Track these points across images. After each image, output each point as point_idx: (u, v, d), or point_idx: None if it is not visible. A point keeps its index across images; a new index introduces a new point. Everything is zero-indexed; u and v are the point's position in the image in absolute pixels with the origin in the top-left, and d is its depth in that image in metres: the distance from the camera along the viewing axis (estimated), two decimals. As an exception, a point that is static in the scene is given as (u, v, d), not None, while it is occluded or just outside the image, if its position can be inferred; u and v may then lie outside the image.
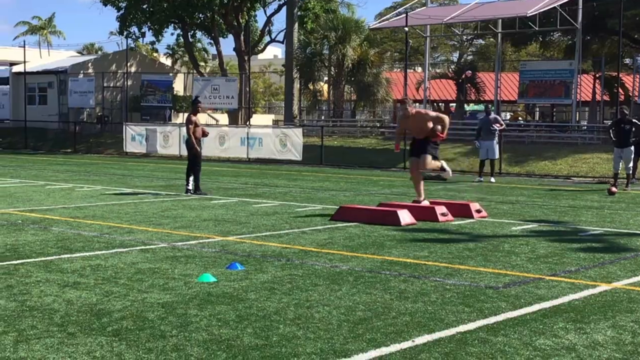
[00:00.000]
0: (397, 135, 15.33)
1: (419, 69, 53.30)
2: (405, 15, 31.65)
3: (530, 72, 32.16)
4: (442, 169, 13.13)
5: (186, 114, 40.92)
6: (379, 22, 38.85)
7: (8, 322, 5.69)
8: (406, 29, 31.19)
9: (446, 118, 12.60)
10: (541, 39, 42.00)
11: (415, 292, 6.91)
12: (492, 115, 22.10)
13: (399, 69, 50.81)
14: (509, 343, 5.38)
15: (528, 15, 30.12)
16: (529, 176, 24.03)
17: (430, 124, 12.41)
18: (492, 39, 49.22)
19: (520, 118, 48.95)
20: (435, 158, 12.83)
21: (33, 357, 4.88)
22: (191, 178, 16.10)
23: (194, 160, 16.04)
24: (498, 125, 21.52)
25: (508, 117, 47.70)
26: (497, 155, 21.84)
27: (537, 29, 32.95)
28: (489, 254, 9.07)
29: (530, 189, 18.95)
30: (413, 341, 5.39)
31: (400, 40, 49.70)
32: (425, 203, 12.60)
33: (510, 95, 43.88)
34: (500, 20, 33.72)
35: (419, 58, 51.78)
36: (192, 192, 15.86)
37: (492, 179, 21.20)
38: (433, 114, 12.96)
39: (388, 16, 40.91)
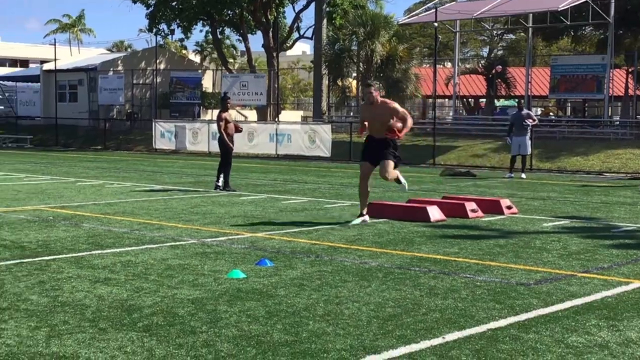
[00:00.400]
0: (361, 124, 11.33)
1: (449, 65, 53.00)
2: (434, 10, 31.49)
3: (562, 67, 31.84)
4: (398, 181, 11.37)
5: (215, 111, 41.23)
6: (408, 18, 38.72)
7: (40, 317, 5.74)
8: (435, 24, 31.01)
9: (410, 119, 11.00)
10: (573, 34, 41.56)
11: (445, 289, 6.87)
12: (525, 110, 21.93)
13: (428, 65, 50.55)
14: (541, 340, 5.32)
15: (559, 9, 29.81)
16: (560, 172, 23.80)
17: (392, 120, 10.75)
18: (522, 34, 48.81)
19: (551, 113, 48.52)
20: (395, 165, 11.12)
21: (65, 352, 4.92)
22: (221, 175, 16.13)
23: (225, 157, 16.05)
24: (531, 120, 21.34)
25: (539, 112, 47.30)
26: (529, 151, 21.66)
27: (568, 23, 32.61)
28: (519, 250, 8.99)
29: (561, 185, 18.76)
30: (443, 338, 5.35)
31: (430, 36, 49.45)
32: (366, 218, 11.13)
33: (541, 90, 43.51)
34: (531, 15, 33.42)
35: (448, 53, 51.51)
36: (221, 188, 15.90)
37: (523, 175, 21.02)
38: (400, 109, 10.98)
39: (417, 11, 40.76)
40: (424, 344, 5.20)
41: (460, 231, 10.52)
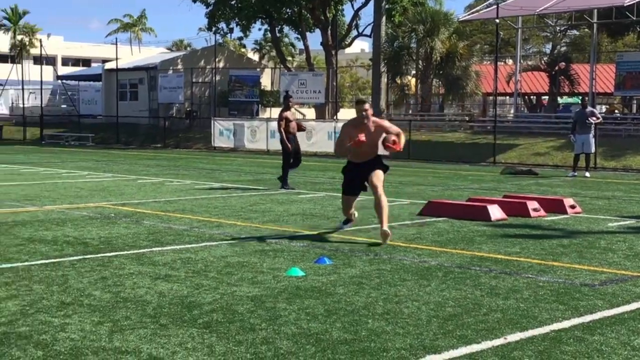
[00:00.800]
0: (344, 150, 9.92)
1: (510, 61, 52.27)
2: (496, 6, 31.08)
3: (628, 64, 31.08)
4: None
5: (274, 109, 41.45)
6: (469, 14, 38.31)
7: (103, 312, 5.82)
8: (497, 20, 30.61)
9: (401, 132, 9.62)
10: (639, 29, 40.57)
11: (507, 289, 6.75)
12: (589, 108, 21.50)
13: (489, 62, 49.95)
14: (606, 342, 5.18)
15: (625, 4, 29.14)
16: (625, 171, 23.27)
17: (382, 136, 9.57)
18: (587, 30, 47.85)
19: (616, 111, 47.49)
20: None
21: (127, 347, 4.97)
22: (292, 171, 16.01)
23: (285, 156, 16.00)
24: (594, 118, 20.90)
25: (604, 110, 46.34)
26: (593, 149, 21.21)
27: (634, 18, 31.83)
28: (584, 250, 8.79)
29: (627, 184, 18.33)
30: (505, 338, 5.25)
31: (491, 32, 48.86)
32: (355, 214, 10.17)
33: (605, 87, 42.58)
34: (595, 10, 32.73)
35: (509, 50, 50.80)
36: (283, 185, 15.81)
37: (587, 174, 20.61)
38: (387, 123, 9.79)
39: (478, 8, 40.27)
40: (485, 345, 5.11)
41: (521, 230, 10.34)
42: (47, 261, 7.79)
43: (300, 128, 16.33)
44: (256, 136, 32.79)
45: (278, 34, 47.24)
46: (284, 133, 15.81)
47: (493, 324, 5.61)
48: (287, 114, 15.93)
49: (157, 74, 43.36)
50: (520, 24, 35.79)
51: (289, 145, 15.86)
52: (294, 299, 6.30)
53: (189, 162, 25.45)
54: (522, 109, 43.97)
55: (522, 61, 39.94)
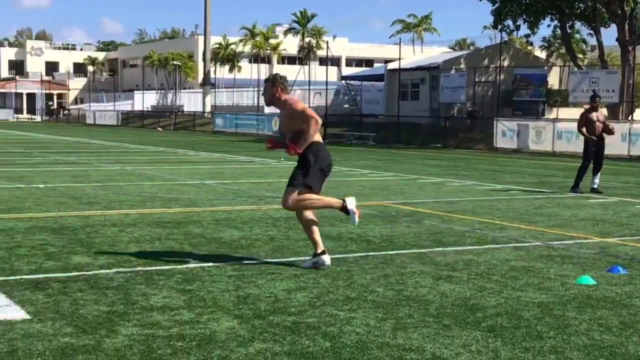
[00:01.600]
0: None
1: None
2: None
3: None
4: (344, 208, 7.57)
5: (560, 109, 39.84)
6: None
7: (387, 309, 5.86)
8: None
9: (312, 125, 7.14)
10: None
11: None
12: None
13: None
14: None
15: None
16: None
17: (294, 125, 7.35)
18: None
19: None
20: (309, 187, 7.33)
21: (411, 345, 4.95)
22: (596, 177, 15.18)
23: (585, 157, 15.15)
24: None
25: None
26: None
27: None
28: None
29: None
30: None
31: None
32: (326, 260, 7.38)
33: None
34: None
35: None
36: (596, 189, 14.97)
37: None
38: (299, 109, 7.29)
39: None
40: None
41: None
42: (332, 256, 8.02)
43: (607, 130, 15.27)
44: (541, 137, 31.73)
45: (569, 30, 45.29)
46: (584, 133, 15.04)
47: None
48: (592, 114, 15.12)
49: (439, 74, 43.52)
50: None
51: (590, 147, 14.98)
52: (585, 309, 5.91)
53: (469, 163, 25.22)
54: None
55: None
